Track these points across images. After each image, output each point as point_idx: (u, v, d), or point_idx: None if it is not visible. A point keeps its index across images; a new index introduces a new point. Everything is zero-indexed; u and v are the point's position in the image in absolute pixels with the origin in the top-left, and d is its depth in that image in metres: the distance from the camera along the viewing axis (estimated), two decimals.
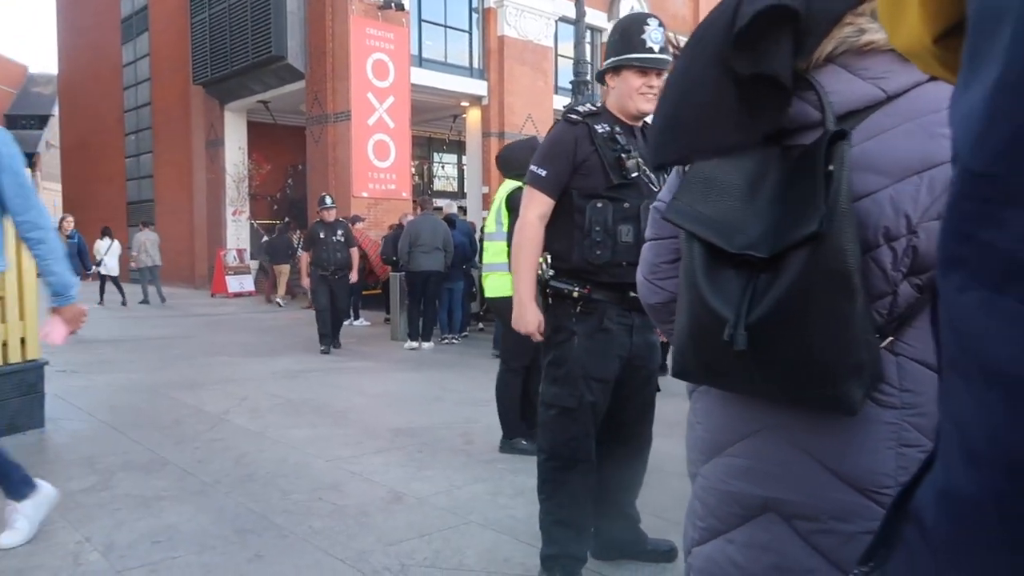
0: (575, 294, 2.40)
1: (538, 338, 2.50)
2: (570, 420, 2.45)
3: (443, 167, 23.79)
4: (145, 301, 14.83)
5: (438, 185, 23.30)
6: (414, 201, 10.54)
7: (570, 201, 2.41)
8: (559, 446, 2.47)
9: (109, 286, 14.61)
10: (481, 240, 6.90)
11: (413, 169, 18.98)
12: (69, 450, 4.24)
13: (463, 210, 17.77)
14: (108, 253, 14.32)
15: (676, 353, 1.10)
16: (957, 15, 0.48)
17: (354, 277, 9.08)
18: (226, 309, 14.28)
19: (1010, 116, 0.40)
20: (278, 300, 15.16)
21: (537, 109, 17.68)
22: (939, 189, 0.93)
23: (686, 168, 1.11)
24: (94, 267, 13.79)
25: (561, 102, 15.84)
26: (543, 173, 2.42)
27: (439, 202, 14.07)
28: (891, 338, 0.97)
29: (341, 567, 2.71)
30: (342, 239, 8.74)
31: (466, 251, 9.33)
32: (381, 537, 2.98)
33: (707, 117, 1.03)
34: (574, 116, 2.45)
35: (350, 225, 9.45)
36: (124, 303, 14.33)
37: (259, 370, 7.08)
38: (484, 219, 6.14)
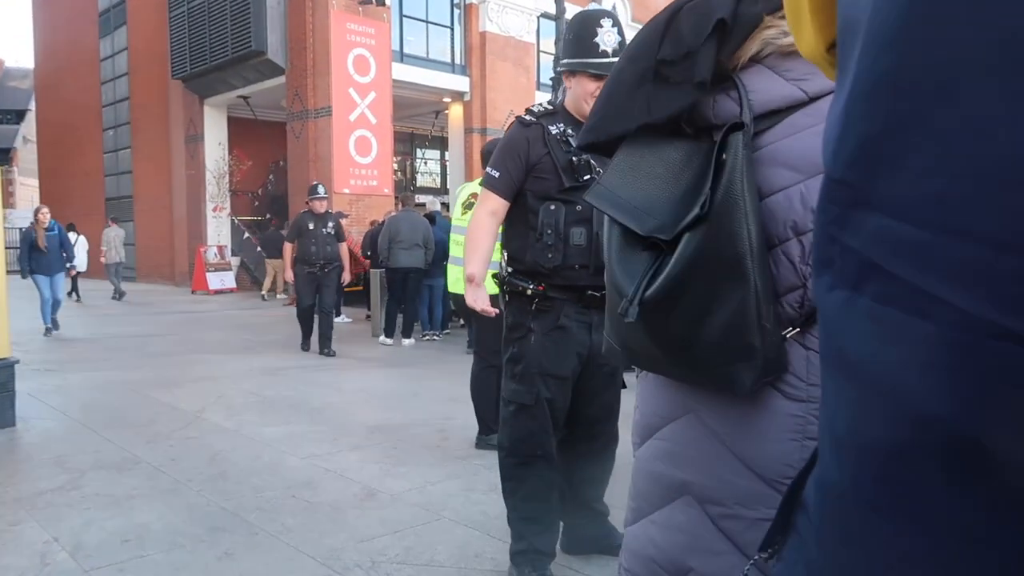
0: (529, 291, 2.41)
1: (490, 313, 2.56)
2: (528, 416, 2.46)
3: (426, 163, 23.74)
4: (116, 295, 15.13)
5: (421, 181, 23.25)
6: (396, 197, 10.33)
7: (525, 202, 2.43)
8: (518, 442, 2.48)
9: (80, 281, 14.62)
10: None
11: (395, 165, 18.91)
12: (40, 449, 4.20)
13: (446, 206, 17.79)
14: (76, 247, 14.21)
15: (605, 335, 1.17)
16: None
17: (347, 276, 8.44)
18: (206, 306, 14.18)
19: (858, 125, 0.41)
20: (263, 294, 15.13)
21: (519, 105, 17.64)
22: None
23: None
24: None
25: (543, 98, 15.84)
26: (496, 174, 2.45)
27: (422, 198, 14.08)
28: (797, 329, 1.00)
29: (311, 564, 2.70)
30: (332, 232, 8.08)
31: (447, 248, 9.31)
32: (353, 534, 2.98)
33: (620, 105, 1.10)
34: (528, 117, 2.46)
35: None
36: (118, 297, 15.09)
37: (237, 367, 7.04)
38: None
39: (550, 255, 2.36)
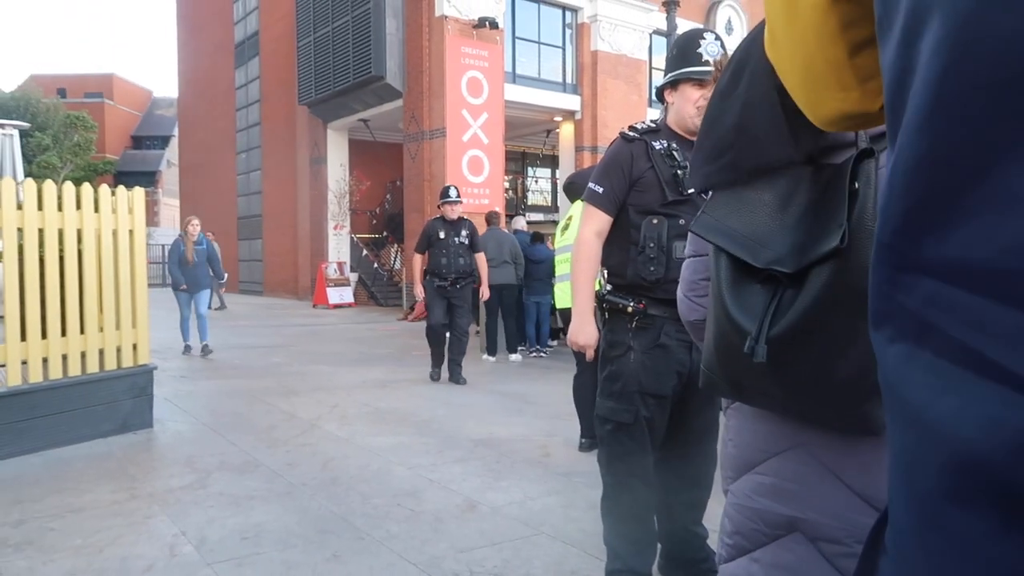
0: (630, 308, 2.41)
1: (590, 356, 2.54)
2: (626, 436, 2.45)
3: (536, 181, 23.98)
4: (222, 307, 15.86)
5: (531, 199, 23.51)
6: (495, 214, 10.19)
7: (627, 217, 2.44)
8: (615, 461, 2.49)
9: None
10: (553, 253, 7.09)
11: (507, 183, 19.23)
12: (172, 450, 4.54)
13: (556, 224, 17.88)
14: None
15: (704, 366, 1.11)
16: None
17: (485, 292, 7.48)
18: (326, 320, 14.84)
19: (902, 197, 0.44)
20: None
21: (630, 122, 17.55)
22: None
23: None
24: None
25: (655, 115, 15.71)
26: (600, 190, 2.46)
27: (532, 216, 14.26)
28: None
29: (413, 570, 2.80)
30: (466, 242, 7.15)
31: (553, 266, 9.38)
32: (453, 544, 3.06)
33: (760, 140, 1.04)
34: (631, 133, 2.47)
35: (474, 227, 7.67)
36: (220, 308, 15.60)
37: (351, 379, 7.35)
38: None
39: (652, 268, 2.37)
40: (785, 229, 0.99)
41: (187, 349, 9.21)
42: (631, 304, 2.42)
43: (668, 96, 2.48)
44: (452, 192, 7.28)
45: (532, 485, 3.88)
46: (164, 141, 50.69)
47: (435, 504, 3.55)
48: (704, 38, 2.38)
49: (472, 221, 7.46)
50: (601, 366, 2.55)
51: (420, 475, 4.03)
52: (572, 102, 17.46)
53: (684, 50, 2.41)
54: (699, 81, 2.37)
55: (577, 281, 2.53)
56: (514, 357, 8.92)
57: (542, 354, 9.32)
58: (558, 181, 21.20)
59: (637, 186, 2.43)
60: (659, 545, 2.65)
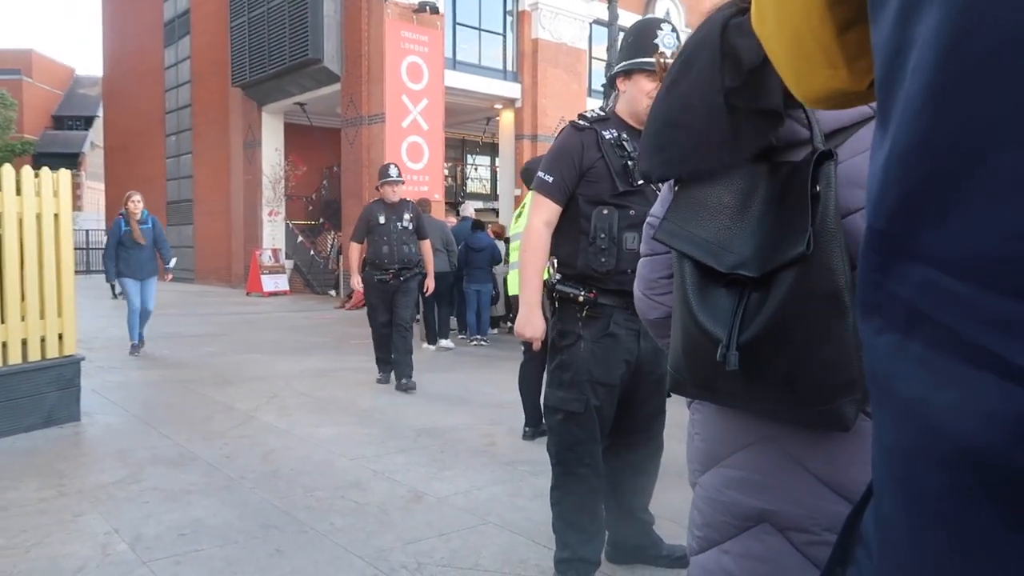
0: (580, 298, 2.41)
1: (537, 347, 2.54)
2: (576, 425, 2.46)
3: (476, 169, 23.91)
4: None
5: (471, 187, 23.43)
6: (448, 204, 9.88)
7: (576, 207, 2.43)
8: (565, 450, 2.48)
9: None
10: (507, 240, 7.10)
11: (446, 171, 19.10)
12: (102, 443, 4.36)
13: (495, 212, 17.88)
14: None
15: (671, 369, 1.11)
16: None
17: (430, 285, 6.63)
18: (260, 308, 14.51)
19: (898, 182, 0.44)
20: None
21: (570, 112, 17.64)
22: None
23: (675, 185, 1.13)
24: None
25: (595, 104, 15.82)
26: (549, 179, 2.43)
27: (475, 204, 14.22)
28: None
29: (359, 564, 2.75)
30: (410, 226, 6.30)
31: (494, 253, 9.37)
32: (400, 535, 3.03)
33: (697, 140, 1.05)
34: (581, 122, 2.46)
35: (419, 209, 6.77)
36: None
37: (289, 368, 7.20)
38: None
39: (603, 259, 2.36)
40: (747, 232, 1.00)
41: (135, 349, 7.95)
42: (582, 294, 2.42)
43: (621, 84, 2.47)
44: (392, 171, 6.40)
45: (477, 474, 3.87)
46: (88, 122, 48.55)
47: (380, 495, 3.51)
48: (661, 28, 2.38)
49: (415, 203, 6.71)
50: (550, 356, 2.53)
51: (364, 466, 3.98)
52: (512, 90, 17.42)
53: (640, 39, 2.41)
54: (653, 72, 2.37)
55: (525, 271, 2.50)
56: (445, 343, 8.88)
57: (483, 342, 9.31)
58: (498, 169, 21.18)
59: (587, 176, 2.42)
60: (607, 533, 2.67)
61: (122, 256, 7.77)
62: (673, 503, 3.10)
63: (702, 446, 1.16)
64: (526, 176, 5.03)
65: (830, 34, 0.58)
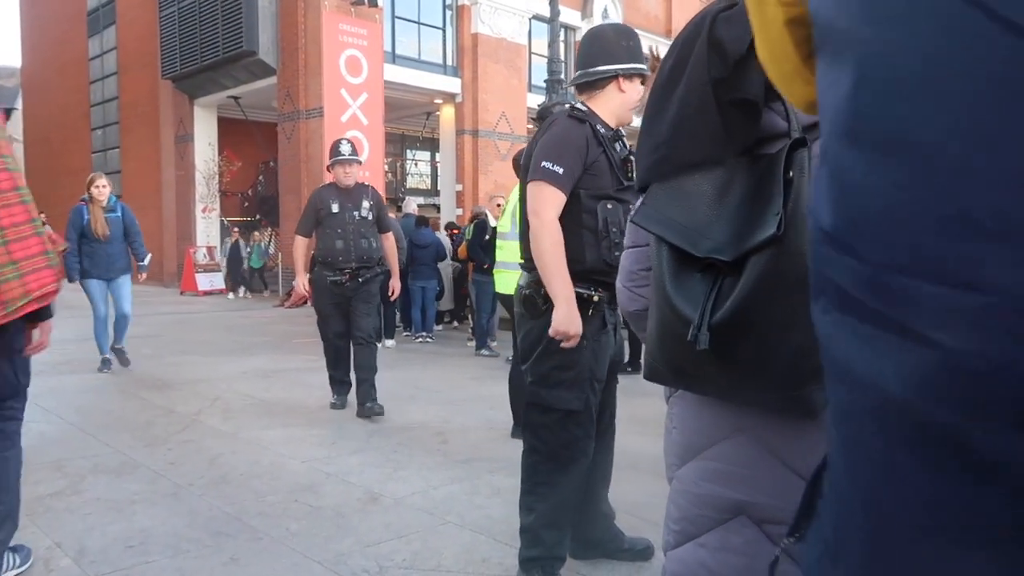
0: (595, 298, 2.38)
1: (574, 344, 2.34)
2: (574, 423, 2.44)
3: (416, 164, 23.73)
4: None
5: (411, 183, 23.24)
6: (389, 200, 9.69)
7: (578, 201, 2.36)
8: (560, 449, 2.45)
9: None
10: (493, 239, 7.04)
11: (386, 167, 18.89)
12: (37, 453, 4.15)
13: (436, 208, 17.76)
14: None
15: (647, 355, 1.12)
16: None
17: (396, 286, 5.49)
18: (196, 307, 14.10)
19: (830, 190, 0.53)
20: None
21: (511, 107, 17.69)
22: None
23: None
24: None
25: (535, 100, 15.86)
26: (559, 170, 2.33)
27: (419, 200, 14.10)
28: None
29: (319, 569, 2.70)
30: (369, 216, 5.15)
31: (438, 249, 9.32)
32: (359, 539, 2.98)
33: (695, 138, 1.06)
34: (580, 114, 2.43)
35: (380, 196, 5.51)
36: None
37: (231, 369, 7.01)
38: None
39: (616, 253, 2.29)
40: (723, 219, 1.01)
41: (106, 364, 6.79)
42: (596, 293, 2.38)
43: (620, 85, 2.46)
44: (345, 148, 5.19)
45: (433, 473, 3.84)
46: (6, 114, 46.25)
47: (335, 498, 3.44)
48: (636, 37, 2.48)
49: (375, 188, 5.50)
50: (545, 355, 2.43)
51: (316, 468, 3.90)
52: (453, 84, 17.33)
53: (637, 45, 2.48)
54: (646, 78, 2.42)
55: (555, 268, 2.32)
56: (389, 343, 8.78)
57: (428, 339, 9.25)
58: (438, 165, 21.05)
59: (591, 170, 2.37)
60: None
61: (86, 252, 6.46)
62: (631, 497, 3.14)
63: (680, 439, 1.17)
64: (522, 167, 4.90)
65: (799, 61, 0.68)
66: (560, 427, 2.45)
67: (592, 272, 2.38)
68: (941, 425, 0.44)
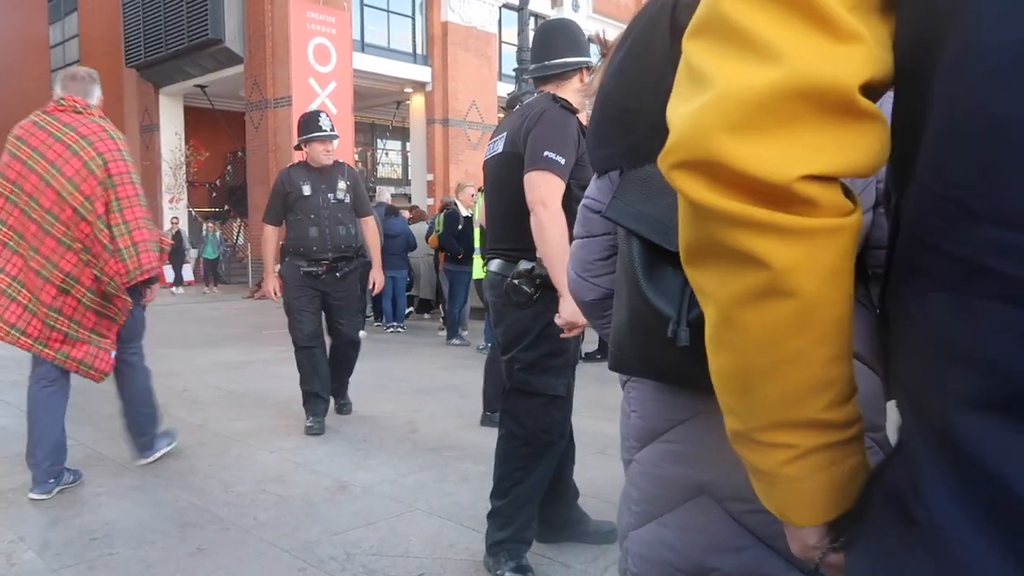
0: None
1: (577, 333, 2.37)
2: (556, 407, 2.50)
3: (387, 154, 23.58)
4: None
5: (382, 172, 23.10)
6: None
7: (569, 192, 2.35)
8: (542, 432, 2.49)
9: None
10: (468, 227, 7.03)
11: (356, 156, 18.73)
12: (0, 447, 4.10)
13: (407, 197, 17.68)
14: None
15: (614, 347, 1.12)
16: None
17: (378, 279, 4.81)
18: (165, 300, 13.91)
19: (958, 154, 0.47)
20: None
21: (481, 96, 17.64)
22: (861, 183, 0.97)
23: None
24: None
25: (506, 89, 15.84)
26: (563, 161, 2.32)
27: (390, 189, 14.02)
28: None
29: (286, 558, 2.70)
30: (346, 199, 4.51)
31: (408, 239, 9.29)
32: (327, 527, 2.98)
33: (653, 122, 1.06)
34: (568, 104, 2.42)
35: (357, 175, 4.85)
36: None
37: (200, 362, 6.95)
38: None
39: None
40: None
41: None
42: None
43: (580, 76, 2.47)
44: (325, 122, 4.53)
45: (402, 462, 3.85)
46: None
47: (303, 488, 3.44)
48: None
49: (351, 167, 4.84)
50: (536, 342, 2.45)
51: (285, 459, 3.89)
52: (422, 73, 17.24)
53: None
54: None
55: (562, 258, 2.26)
56: (361, 334, 8.73)
57: (399, 329, 9.23)
58: (409, 154, 20.94)
59: (580, 160, 2.38)
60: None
61: None
62: (598, 481, 3.17)
63: (639, 423, 1.18)
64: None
65: None
66: (543, 412, 2.49)
67: None
68: None
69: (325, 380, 4.54)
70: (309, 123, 4.55)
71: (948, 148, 0.47)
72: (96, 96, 3.52)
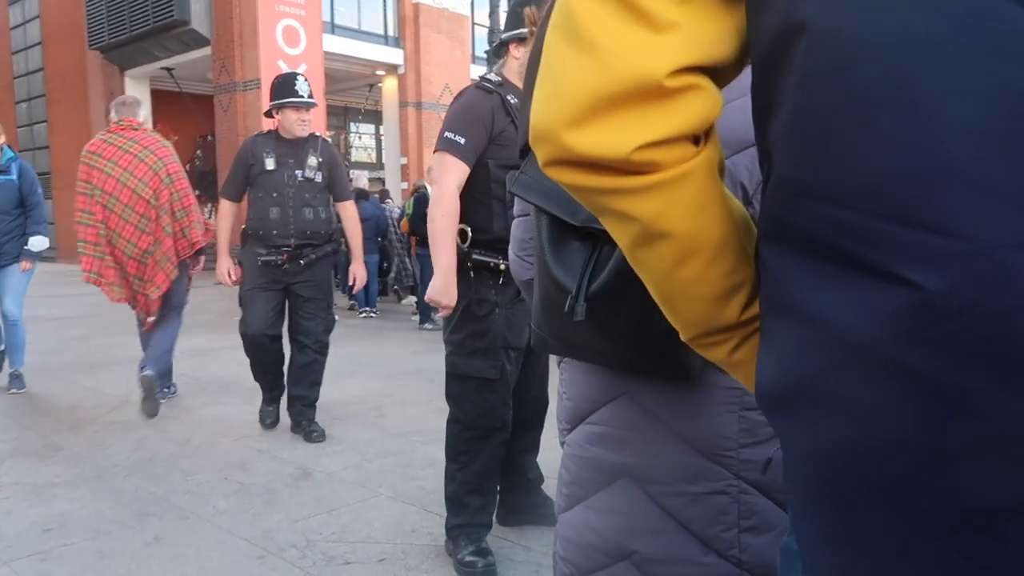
0: (502, 267, 2.37)
1: (446, 314, 2.43)
2: (490, 391, 2.45)
3: (360, 137, 23.33)
4: None
5: (355, 156, 22.85)
6: None
7: (487, 172, 2.36)
8: (478, 417, 2.47)
9: None
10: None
11: (329, 139, 18.54)
12: None
13: (381, 181, 17.54)
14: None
15: (533, 325, 1.11)
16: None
17: (360, 274, 4.30)
18: None
19: (801, 135, 0.52)
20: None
21: (455, 79, 17.47)
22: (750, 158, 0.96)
23: None
24: None
25: (479, 71, 15.71)
26: (461, 140, 2.33)
27: (356, 174, 13.86)
28: None
29: (244, 545, 2.66)
30: (317, 178, 3.91)
31: (379, 223, 9.22)
32: (288, 514, 2.94)
33: None
34: (489, 84, 2.40)
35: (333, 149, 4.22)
36: None
37: None
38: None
39: None
40: None
41: (15, 381, 5.10)
42: (502, 262, 2.37)
43: (515, 50, 2.42)
44: (302, 85, 3.90)
45: (368, 447, 3.81)
46: None
47: (266, 475, 3.40)
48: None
49: (328, 141, 4.19)
50: (460, 324, 2.45)
51: (248, 446, 3.84)
52: (395, 56, 17.04)
53: (539, 4, 2.39)
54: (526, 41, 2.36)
55: (441, 236, 2.35)
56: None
57: (372, 314, 9.17)
58: (382, 137, 20.74)
59: (498, 140, 2.36)
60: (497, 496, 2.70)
61: None
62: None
63: (569, 404, 1.17)
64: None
65: None
66: (477, 396, 2.46)
67: (499, 241, 2.36)
68: (909, 365, 0.45)
69: (276, 374, 4.10)
70: (283, 86, 3.91)
71: (785, 130, 0.53)
72: (142, 115, 4.57)
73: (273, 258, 3.84)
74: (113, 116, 4.47)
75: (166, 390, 4.65)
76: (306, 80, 3.99)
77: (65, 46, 19.08)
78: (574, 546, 1.14)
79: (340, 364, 6.00)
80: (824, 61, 0.49)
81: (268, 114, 4.01)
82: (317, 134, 4.07)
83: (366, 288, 9.12)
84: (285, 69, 14.24)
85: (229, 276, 4.07)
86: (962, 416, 0.44)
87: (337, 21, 16.13)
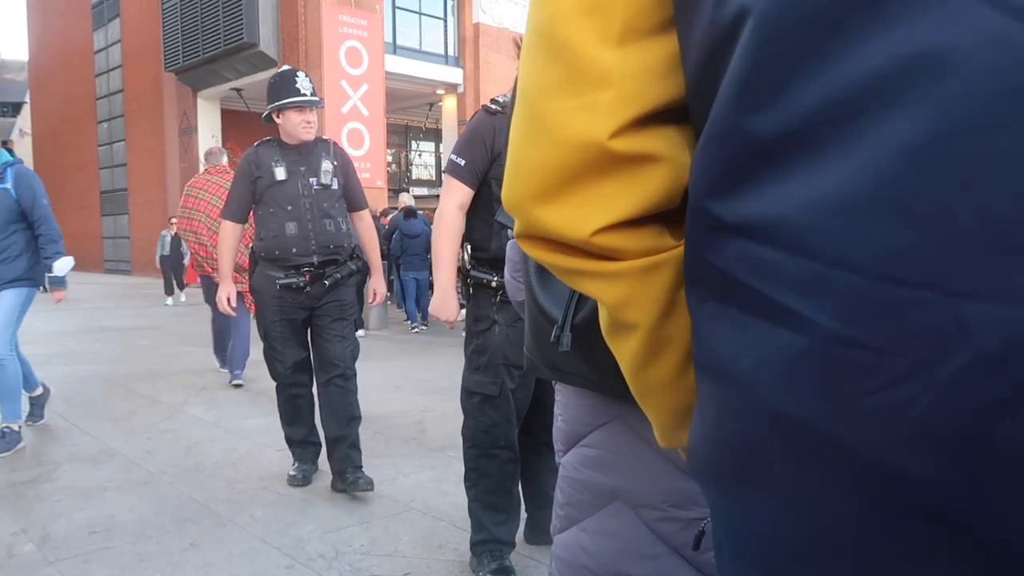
0: (494, 283, 2.42)
1: (451, 327, 2.57)
2: (491, 407, 2.48)
3: (420, 155, 23.72)
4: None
5: (416, 174, 23.25)
6: (392, 191, 9.49)
7: (489, 191, 2.42)
8: (481, 433, 2.50)
9: None
10: None
11: (389, 158, 18.91)
12: None
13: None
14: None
15: (526, 350, 1.12)
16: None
17: (379, 289, 3.76)
18: (197, 299, 14.17)
19: (712, 167, 0.48)
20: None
21: None
22: None
23: None
24: None
25: None
26: (462, 162, 2.41)
27: (417, 191, 14.14)
28: None
29: (275, 554, 2.72)
30: (333, 184, 3.42)
31: (428, 239, 9.35)
32: (320, 525, 3.00)
33: None
34: (493, 106, 2.45)
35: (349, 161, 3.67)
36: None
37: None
38: None
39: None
40: None
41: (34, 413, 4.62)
42: (495, 279, 2.42)
43: None
44: (303, 83, 3.40)
45: (405, 461, 3.86)
46: (15, 108, 46.50)
47: (304, 486, 3.47)
48: None
49: (339, 145, 3.65)
50: (467, 341, 2.56)
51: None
52: (454, 75, 17.32)
53: None
54: None
55: (440, 255, 2.47)
56: (359, 332, 8.80)
57: (423, 327, 9.28)
58: (442, 155, 21.04)
59: (499, 160, 2.41)
60: (524, 515, 2.70)
61: None
62: None
63: (564, 427, 1.18)
64: None
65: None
66: (479, 411, 2.50)
67: (496, 260, 2.39)
68: (803, 420, 0.42)
69: (311, 422, 3.63)
70: (282, 85, 3.38)
71: (700, 158, 0.49)
72: (224, 160, 6.15)
73: (294, 280, 3.32)
74: (206, 162, 6.25)
75: (238, 372, 5.92)
76: (307, 76, 3.47)
77: (143, 68, 20.01)
78: (569, 568, 1.14)
79: (386, 378, 6.10)
80: (734, 79, 0.46)
81: (267, 119, 3.45)
82: (325, 137, 3.62)
83: (417, 303, 9.29)
84: (348, 89, 14.65)
85: (229, 303, 3.57)
86: (893, 505, 0.39)
87: (399, 42, 16.50)
